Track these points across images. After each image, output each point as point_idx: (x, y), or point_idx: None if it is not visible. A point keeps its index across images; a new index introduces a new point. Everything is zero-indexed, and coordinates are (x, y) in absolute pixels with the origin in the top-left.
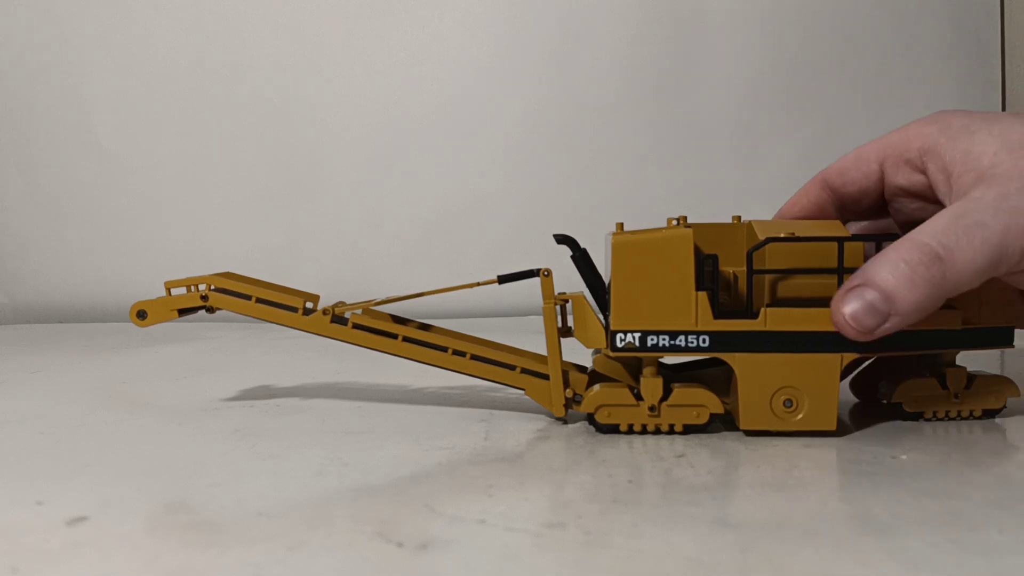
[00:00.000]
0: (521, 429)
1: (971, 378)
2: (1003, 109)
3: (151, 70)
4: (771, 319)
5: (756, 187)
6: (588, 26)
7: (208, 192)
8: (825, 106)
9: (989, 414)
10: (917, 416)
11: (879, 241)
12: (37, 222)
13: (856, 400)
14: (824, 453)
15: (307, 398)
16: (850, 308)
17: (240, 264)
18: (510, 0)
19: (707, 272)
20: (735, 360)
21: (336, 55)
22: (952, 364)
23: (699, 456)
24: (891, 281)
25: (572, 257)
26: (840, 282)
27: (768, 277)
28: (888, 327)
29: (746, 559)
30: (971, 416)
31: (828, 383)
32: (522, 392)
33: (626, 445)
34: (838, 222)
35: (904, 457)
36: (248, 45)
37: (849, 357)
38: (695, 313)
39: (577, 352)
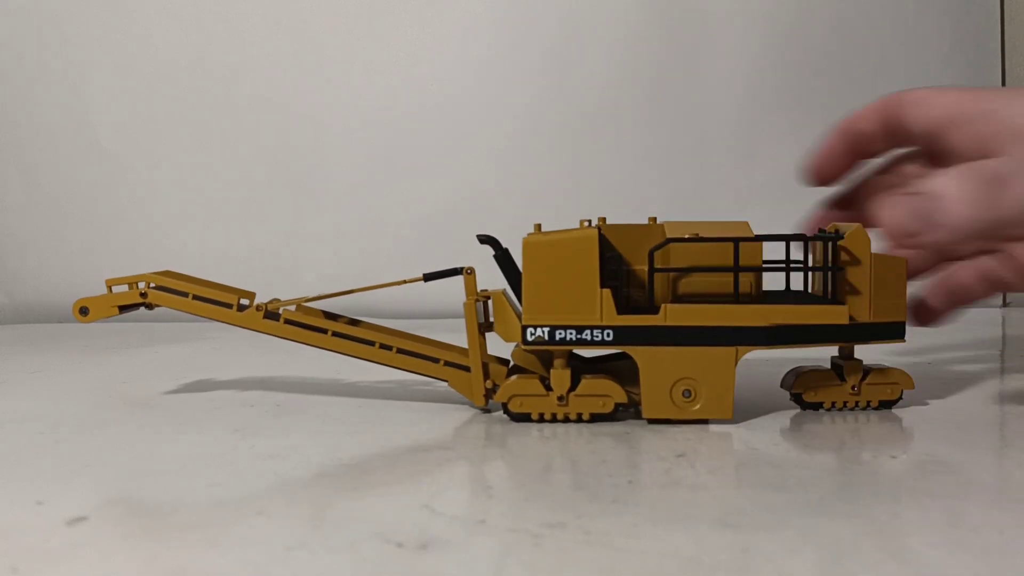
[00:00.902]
0: (522, 431)
1: (867, 370)
2: None
3: (151, 70)
4: (671, 314)
5: (756, 186)
6: (587, 26)
7: (208, 192)
8: (825, 106)
9: (885, 405)
10: (817, 406)
11: (788, 241)
12: (37, 222)
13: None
14: (825, 453)
15: (307, 398)
16: (899, 209)
17: (240, 264)
18: (510, 0)
19: (611, 270)
20: (637, 353)
21: (336, 55)
22: (850, 357)
23: (699, 456)
24: (952, 190)
25: (494, 256)
26: (736, 280)
27: (671, 275)
28: (932, 237)
29: (746, 559)
30: (868, 407)
31: (724, 374)
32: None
33: (627, 446)
34: (745, 223)
35: (904, 457)
36: (248, 45)
37: (744, 350)
38: (600, 309)
39: (504, 347)
